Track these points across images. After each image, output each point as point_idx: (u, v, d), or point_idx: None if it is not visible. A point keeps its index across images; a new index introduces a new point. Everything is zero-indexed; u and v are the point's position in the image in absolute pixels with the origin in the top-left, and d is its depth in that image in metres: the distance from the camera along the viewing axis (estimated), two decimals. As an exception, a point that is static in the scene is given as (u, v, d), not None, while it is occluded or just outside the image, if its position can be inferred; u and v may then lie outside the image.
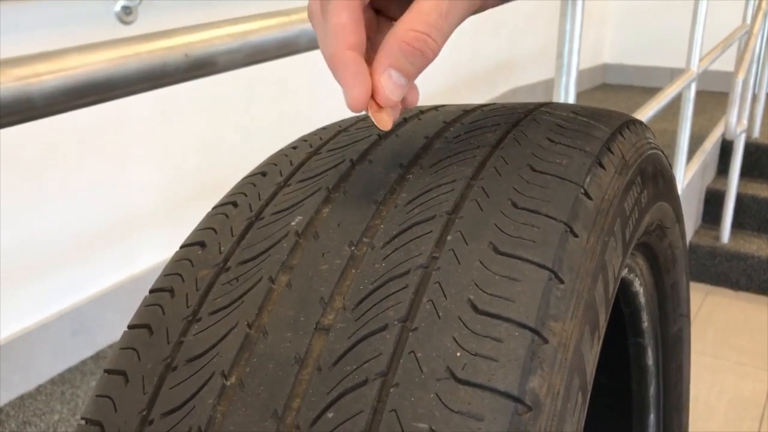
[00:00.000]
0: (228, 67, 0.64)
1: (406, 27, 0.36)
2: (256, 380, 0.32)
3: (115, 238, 1.93)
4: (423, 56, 0.36)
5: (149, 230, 1.99)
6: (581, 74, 1.50)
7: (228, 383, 0.33)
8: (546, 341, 0.31)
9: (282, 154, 0.47)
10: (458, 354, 0.30)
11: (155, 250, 2.00)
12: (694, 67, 2.37)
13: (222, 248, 0.39)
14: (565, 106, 0.48)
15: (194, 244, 0.41)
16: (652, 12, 4.95)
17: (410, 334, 0.31)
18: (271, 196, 0.42)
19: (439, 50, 0.37)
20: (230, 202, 0.43)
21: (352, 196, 0.39)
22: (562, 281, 0.33)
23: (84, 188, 1.84)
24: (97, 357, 1.89)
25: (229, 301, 0.36)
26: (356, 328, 0.33)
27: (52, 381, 1.80)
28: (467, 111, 0.48)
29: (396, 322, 0.32)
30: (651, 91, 2.34)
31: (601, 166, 0.40)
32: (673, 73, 2.56)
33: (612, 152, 0.42)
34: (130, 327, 0.39)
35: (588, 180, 0.39)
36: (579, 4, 1.43)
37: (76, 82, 0.52)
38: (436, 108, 0.50)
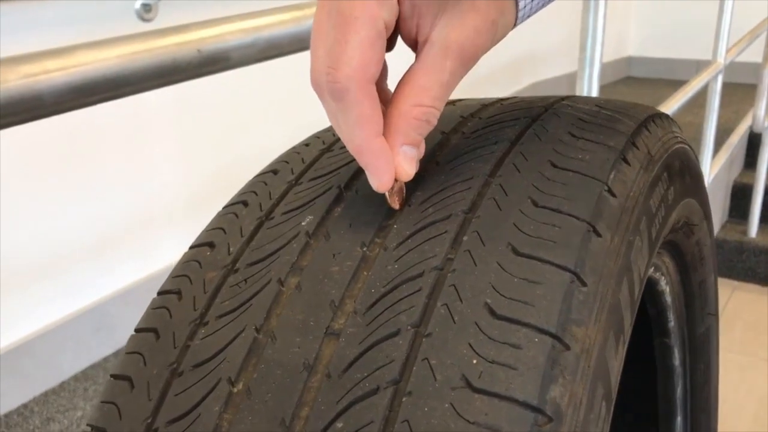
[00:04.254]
0: (241, 63, 0.63)
1: (411, 103, 0.35)
2: (264, 387, 0.31)
3: (136, 236, 1.93)
4: (429, 125, 0.36)
5: (170, 228, 1.99)
6: (605, 67, 1.47)
7: (235, 390, 0.32)
8: (568, 348, 0.30)
9: (294, 151, 0.46)
10: (474, 361, 0.29)
11: (176, 247, 2.00)
12: (721, 58, 2.32)
13: (231, 249, 0.38)
14: (587, 100, 0.46)
15: (203, 244, 0.40)
16: (677, 3, 4.88)
17: (424, 339, 0.30)
18: (282, 195, 0.40)
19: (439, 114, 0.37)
20: (241, 201, 0.42)
21: (364, 195, 0.38)
22: (584, 284, 0.32)
23: (104, 186, 1.85)
24: (118, 354, 1.90)
25: (237, 304, 0.35)
26: (367, 333, 0.31)
27: (75, 378, 1.81)
28: (485, 105, 0.46)
29: (409, 327, 0.31)
30: (676, 84, 2.29)
31: (626, 161, 0.39)
32: (699, 66, 2.51)
33: (637, 147, 0.40)
34: (137, 330, 0.38)
35: (612, 176, 0.37)
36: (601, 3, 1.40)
37: (85, 79, 0.51)
38: (453, 102, 0.48)
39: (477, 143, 0.40)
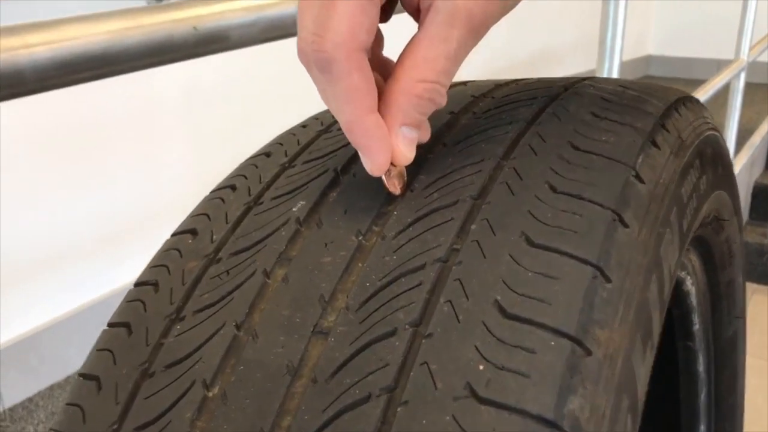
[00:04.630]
0: (242, 43, 0.59)
1: (414, 77, 0.31)
2: (242, 392, 0.27)
3: (144, 229, 1.90)
4: (433, 104, 0.32)
5: (179, 221, 1.96)
6: (624, 66, 1.43)
7: (210, 394, 0.28)
8: (589, 353, 0.26)
9: (290, 133, 0.42)
10: (481, 367, 0.25)
11: (185, 241, 1.97)
12: (744, 56, 2.26)
13: (214, 237, 0.34)
14: (610, 80, 0.42)
15: (185, 232, 0.36)
16: (698, 1, 4.79)
17: (423, 341, 0.26)
18: (273, 178, 0.37)
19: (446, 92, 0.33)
20: (229, 185, 0.38)
21: (362, 179, 0.34)
22: (609, 280, 0.28)
23: (113, 179, 1.82)
24: (125, 348, 1.87)
25: (217, 297, 0.31)
26: (360, 332, 0.27)
27: (81, 372, 1.79)
28: (499, 85, 0.42)
29: (407, 327, 0.27)
30: (696, 84, 2.23)
31: (655, 145, 0.35)
32: (720, 65, 2.45)
33: (667, 130, 0.36)
34: (109, 325, 0.34)
35: (640, 161, 0.33)
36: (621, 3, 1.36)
37: (71, 55, 0.48)
38: (464, 83, 0.45)
39: (489, 123, 0.36)
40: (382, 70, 0.35)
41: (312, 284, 0.30)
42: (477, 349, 0.25)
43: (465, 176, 0.32)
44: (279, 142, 0.41)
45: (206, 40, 0.56)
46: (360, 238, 0.31)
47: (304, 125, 0.43)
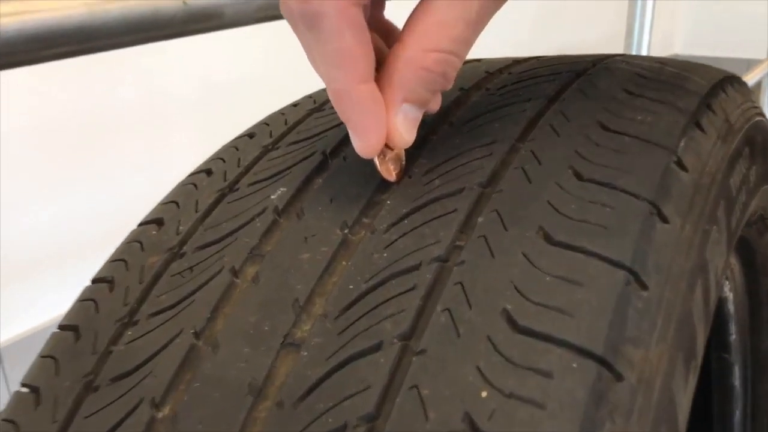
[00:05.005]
0: (236, 22, 0.54)
1: (424, 45, 0.26)
2: (196, 413, 0.23)
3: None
4: (445, 79, 0.27)
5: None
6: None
7: (159, 415, 0.23)
8: (620, 378, 0.20)
9: (279, 112, 0.37)
10: (484, 394, 0.20)
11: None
12: (778, 53, 2.17)
13: (180, 228, 0.30)
14: (646, 57, 0.36)
15: (150, 222, 0.32)
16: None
17: (414, 358, 0.21)
18: (253, 162, 0.32)
19: (461, 66, 0.27)
20: (204, 169, 0.34)
21: (354, 163, 0.29)
22: (645, 286, 0.23)
23: (121, 174, 1.79)
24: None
25: (177, 299, 0.26)
26: (338, 345, 0.22)
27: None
28: (519, 61, 0.37)
29: (395, 340, 0.22)
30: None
31: (700, 127, 0.29)
32: (750, 65, 2.36)
33: (713, 111, 0.31)
34: (59, 327, 0.30)
35: (682, 145, 0.28)
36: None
37: (42, 29, 0.43)
38: (479, 60, 0.39)
39: (504, 100, 0.31)
40: (385, 35, 0.30)
41: (286, 285, 0.25)
42: (479, 370, 0.20)
43: (473, 160, 0.27)
44: (266, 122, 0.36)
45: (197, 17, 0.52)
46: (346, 231, 0.26)
47: (295, 104, 0.38)
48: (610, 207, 0.24)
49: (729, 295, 0.52)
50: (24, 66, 0.44)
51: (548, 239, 0.23)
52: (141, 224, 0.32)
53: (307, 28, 0.25)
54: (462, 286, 0.22)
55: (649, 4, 1.25)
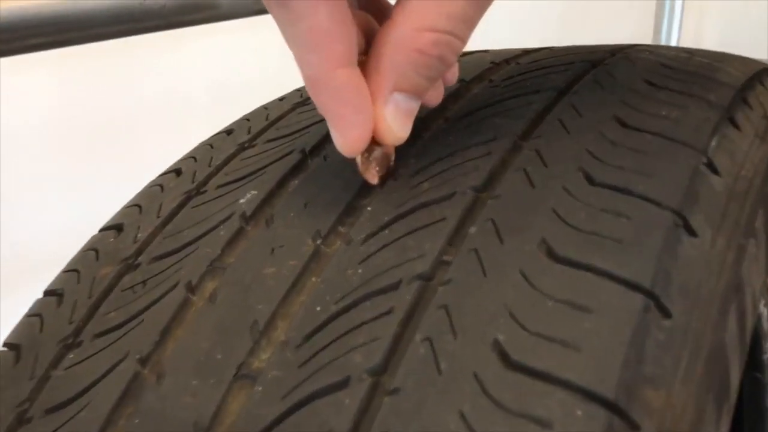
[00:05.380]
0: (233, 14, 0.51)
1: (418, 25, 0.22)
2: (133, 458, 0.19)
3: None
4: (443, 63, 0.23)
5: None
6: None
7: (93, 457, 0.20)
8: (636, 427, 0.17)
9: (263, 107, 0.34)
10: (467, 447, 0.16)
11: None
12: (812, 54, 2.10)
13: (139, 235, 0.26)
14: (672, 47, 0.32)
15: (110, 227, 0.28)
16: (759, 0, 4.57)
17: (386, 399, 0.18)
18: (225, 161, 0.28)
19: (462, 49, 0.23)
20: (174, 169, 0.30)
21: (335, 163, 0.26)
22: (668, 314, 0.19)
23: (138, 175, 1.77)
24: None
25: (125, 317, 0.23)
26: (298, 380, 0.19)
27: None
28: (529, 51, 0.33)
29: (364, 376, 0.18)
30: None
31: (734, 124, 0.25)
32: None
33: (749, 105, 0.27)
34: (3, 345, 0.26)
35: (714, 144, 0.24)
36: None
37: (18, 19, 0.40)
38: (486, 51, 0.36)
39: (508, 92, 0.27)
40: (377, 14, 0.26)
41: (245, 305, 0.21)
42: (463, 416, 0.17)
43: (468, 160, 0.23)
44: (247, 117, 0.33)
45: (189, 8, 0.48)
46: (318, 242, 0.22)
47: (282, 98, 0.34)
48: (626, 217, 0.20)
49: (764, 311, 0.48)
50: (-3, 57, 0.41)
51: (552, 255, 0.20)
52: (101, 230, 0.29)
53: (278, 4, 0.22)
54: (447, 310, 0.19)
55: (678, 6, 1.20)
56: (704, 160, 0.23)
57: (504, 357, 0.18)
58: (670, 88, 0.26)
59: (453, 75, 0.27)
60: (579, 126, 0.24)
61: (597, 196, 0.21)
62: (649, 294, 0.19)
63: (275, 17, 0.23)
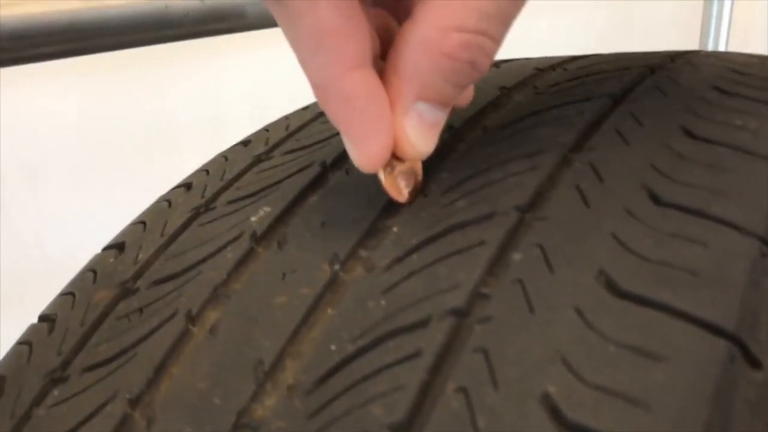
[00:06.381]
0: (261, 23, 0.49)
1: (445, 24, 0.19)
2: None
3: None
4: (474, 70, 0.20)
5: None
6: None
7: None
8: None
9: (284, 117, 0.31)
10: None
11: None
12: None
13: (140, 256, 0.24)
14: (737, 53, 0.29)
15: (112, 246, 0.26)
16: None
17: (410, 463, 0.14)
18: (239, 174, 0.26)
19: (497, 52, 0.20)
20: (185, 183, 0.28)
21: (357, 178, 0.23)
22: (757, 364, 0.15)
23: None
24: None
25: (116, 350, 0.20)
26: (307, 434, 0.16)
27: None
28: (577, 57, 0.30)
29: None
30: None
31: (822, 137, 0.22)
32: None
33: (838, 117, 0.23)
34: (-10, 376, 0.24)
35: (801, 159, 0.20)
36: (726, 5, 1.21)
37: (33, 26, 0.38)
38: (528, 58, 0.33)
39: (556, 100, 0.24)
40: (397, 12, 0.23)
41: (250, 340, 0.18)
42: (505, 490, 0.13)
43: (510, 175, 0.20)
44: (267, 128, 0.30)
45: (214, 16, 0.46)
46: (336, 267, 0.19)
47: (306, 107, 0.32)
48: (701, 244, 0.17)
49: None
50: (9, 66, 0.39)
51: (613, 289, 0.16)
52: (104, 248, 0.26)
53: (275, 2, 0.19)
54: (485, 354, 0.16)
55: (725, 21, 1.16)
56: (791, 177, 0.19)
57: (556, 415, 0.14)
58: (742, 95, 0.23)
59: (468, 94, 0.24)
60: (640, 137, 0.21)
61: (665, 219, 0.18)
62: (735, 339, 0.15)
63: (277, 19, 0.20)
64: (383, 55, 0.21)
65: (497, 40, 0.20)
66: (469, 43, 0.19)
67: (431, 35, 0.19)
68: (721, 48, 1.26)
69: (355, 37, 0.19)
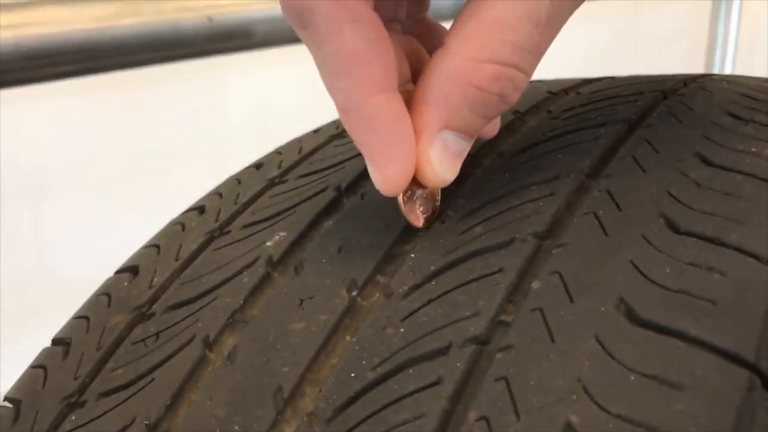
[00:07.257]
0: (268, 41, 0.49)
1: (476, 55, 0.19)
2: None
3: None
4: (502, 102, 0.20)
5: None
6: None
7: None
8: None
9: (296, 140, 0.31)
10: None
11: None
12: None
13: (155, 280, 0.24)
14: (752, 77, 0.29)
15: (126, 270, 0.26)
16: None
17: (433, 494, 0.14)
18: (253, 198, 0.26)
19: (527, 85, 0.20)
20: (198, 206, 0.28)
21: (374, 202, 0.23)
22: (780, 396, 0.15)
23: (173, 205, 1.77)
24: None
25: (133, 376, 0.20)
26: (328, 463, 0.16)
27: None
28: (590, 81, 0.30)
29: (407, 462, 0.15)
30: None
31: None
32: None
33: None
34: (5, 399, 0.24)
35: (816, 186, 0.20)
36: (733, 16, 1.21)
37: (45, 45, 0.39)
38: (540, 80, 0.33)
39: (571, 125, 0.24)
40: (426, 38, 0.24)
41: (268, 367, 0.18)
42: None
43: (528, 202, 0.20)
44: (279, 150, 0.30)
45: (223, 35, 0.46)
46: (354, 293, 0.20)
47: (317, 130, 0.32)
48: (720, 273, 0.17)
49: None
50: (19, 86, 0.39)
51: (632, 317, 0.16)
52: (117, 271, 0.26)
53: (301, 27, 0.19)
54: (507, 382, 0.16)
55: (732, 31, 1.16)
56: (808, 205, 0.19)
57: (579, 446, 0.14)
58: (757, 122, 0.23)
59: (495, 126, 0.24)
60: (656, 164, 0.21)
61: (684, 247, 0.18)
62: (754, 369, 0.15)
63: (304, 41, 0.20)
64: (414, 79, 0.21)
65: (528, 73, 0.20)
66: (500, 75, 0.19)
67: (463, 65, 0.19)
68: (728, 65, 1.27)
69: (379, 62, 0.19)
